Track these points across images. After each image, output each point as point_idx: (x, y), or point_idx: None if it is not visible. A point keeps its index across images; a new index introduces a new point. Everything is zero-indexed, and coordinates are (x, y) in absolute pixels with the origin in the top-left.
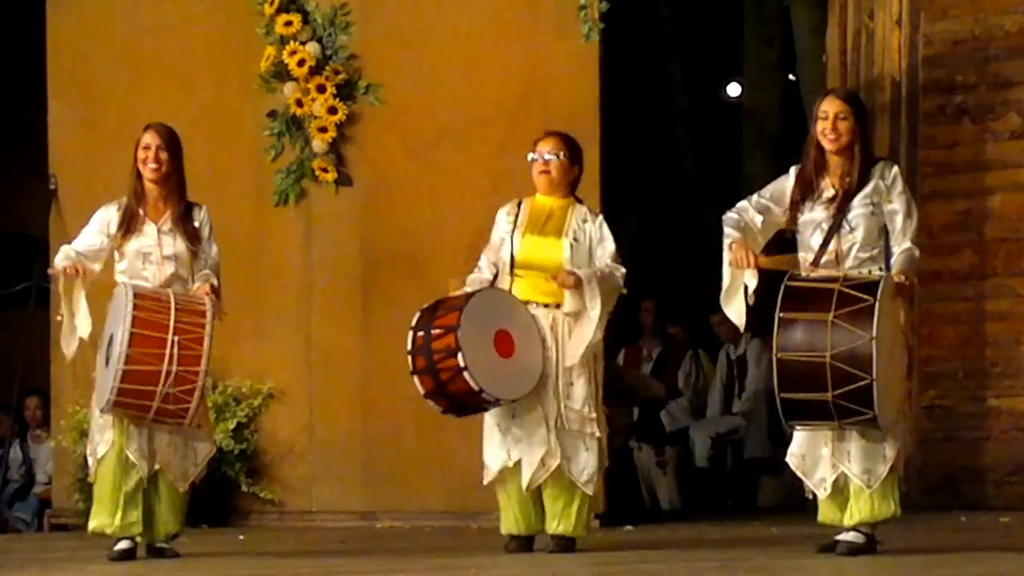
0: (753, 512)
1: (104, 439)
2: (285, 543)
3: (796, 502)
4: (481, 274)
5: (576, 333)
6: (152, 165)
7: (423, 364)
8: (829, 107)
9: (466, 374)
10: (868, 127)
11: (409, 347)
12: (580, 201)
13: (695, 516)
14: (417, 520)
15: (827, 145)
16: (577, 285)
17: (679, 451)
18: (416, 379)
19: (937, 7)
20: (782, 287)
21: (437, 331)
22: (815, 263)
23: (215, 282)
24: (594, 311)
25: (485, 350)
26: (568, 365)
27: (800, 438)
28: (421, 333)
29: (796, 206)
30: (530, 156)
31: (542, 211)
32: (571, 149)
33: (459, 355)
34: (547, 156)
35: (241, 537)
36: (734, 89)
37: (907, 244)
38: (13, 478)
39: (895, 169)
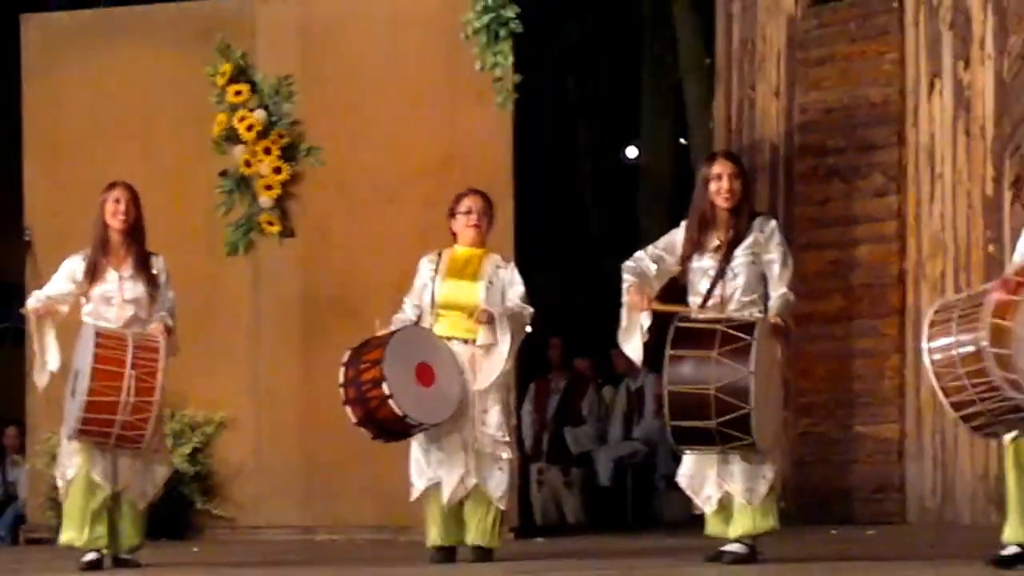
0: (650, 526)
1: (73, 463)
2: (235, 554)
3: (694, 517)
4: (404, 315)
5: (488, 363)
6: (121, 217)
7: (354, 394)
8: (723, 169)
9: (391, 402)
10: (751, 186)
11: (341, 380)
12: (491, 251)
13: (598, 530)
14: (352, 534)
15: (721, 203)
16: (490, 321)
17: (584, 472)
18: (348, 409)
19: (811, 79)
20: (672, 327)
21: (365, 365)
22: (703, 306)
23: (170, 323)
24: (504, 344)
25: (408, 380)
26: (479, 389)
27: (689, 460)
28: (351, 368)
29: (687, 256)
30: (460, 209)
31: (460, 259)
32: (488, 203)
33: (384, 385)
34: (474, 209)
35: (196, 549)
36: (632, 152)
37: (783, 290)
38: None
39: (773, 223)
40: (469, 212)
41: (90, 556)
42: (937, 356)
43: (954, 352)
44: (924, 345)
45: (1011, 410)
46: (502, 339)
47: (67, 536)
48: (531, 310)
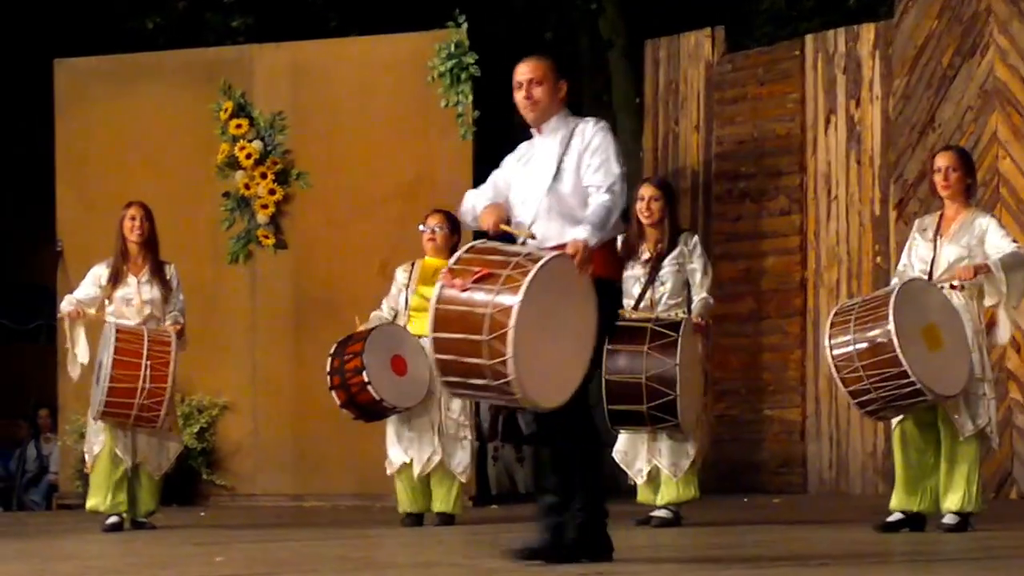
0: None
1: (98, 440)
2: (235, 518)
3: (619, 486)
4: (382, 313)
5: None
6: (137, 231)
7: (338, 381)
8: (645, 192)
9: (370, 387)
10: (676, 205)
11: (327, 369)
12: None
13: None
14: (335, 501)
15: (643, 220)
16: None
17: (534, 449)
18: (333, 393)
19: (726, 115)
20: None
21: (348, 356)
22: (635, 308)
23: (181, 321)
24: None
25: (384, 369)
26: None
27: (623, 438)
28: (336, 358)
29: (621, 265)
30: (421, 227)
31: (430, 269)
32: (451, 222)
33: (364, 373)
34: (434, 228)
35: (202, 513)
36: None
37: (704, 294)
38: (29, 470)
39: (695, 238)
40: (429, 230)
41: (112, 519)
42: (837, 352)
43: (851, 348)
44: (825, 343)
45: (899, 397)
46: None
47: (93, 502)
48: None
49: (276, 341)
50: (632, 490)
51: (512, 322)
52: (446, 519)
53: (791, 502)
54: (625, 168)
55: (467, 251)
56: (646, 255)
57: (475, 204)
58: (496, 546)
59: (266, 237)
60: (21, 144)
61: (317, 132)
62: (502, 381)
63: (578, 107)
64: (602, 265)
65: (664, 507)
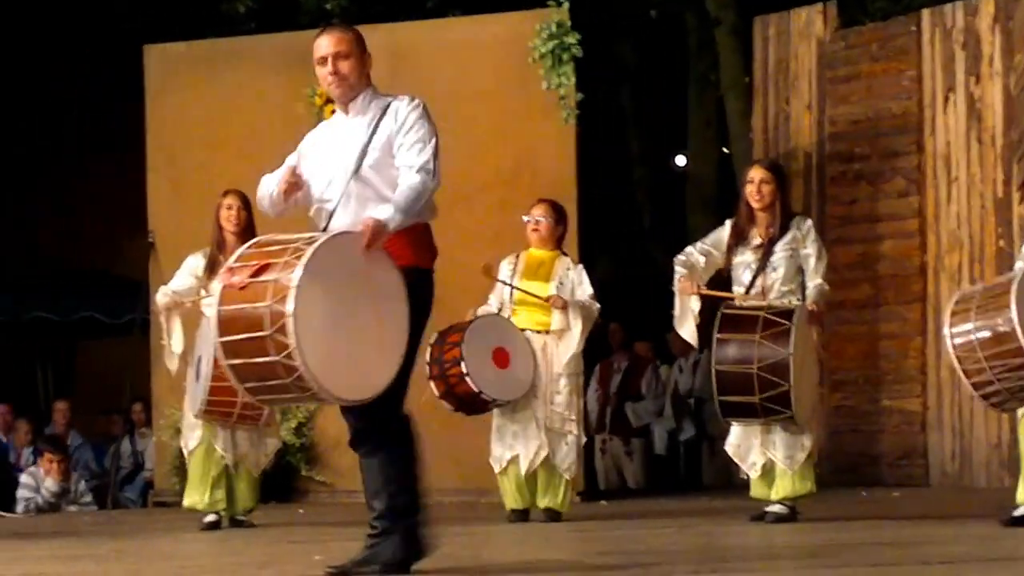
0: (699, 489)
1: (194, 435)
2: (335, 515)
3: (734, 481)
4: (488, 306)
5: (562, 346)
6: (234, 220)
7: (437, 372)
8: (755, 174)
9: (468, 379)
10: (787, 189)
11: (427, 359)
12: (565, 253)
13: (655, 493)
14: (438, 497)
15: (754, 204)
16: (564, 307)
17: (643, 442)
18: (432, 384)
19: (839, 94)
20: (719, 314)
21: (448, 346)
22: (746, 295)
23: None
24: (576, 329)
25: (485, 361)
26: (557, 373)
27: (736, 431)
28: (436, 348)
29: (731, 250)
30: (525, 218)
31: (535, 261)
32: (557, 212)
33: (462, 364)
34: (538, 218)
35: (301, 511)
36: (680, 160)
37: (818, 280)
38: (124, 466)
39: (808, 222)
40: (533, 220)
41: (210, 517)
42: (958, 341)
43: (973, 338)
44: (945, 332)
45: None
46: (574, 325)
47: (190, 500)
48: (599, 306)
49: None
50: (745, 484)
51: (290, 308)
52: (553, 515)
53: (912, 496)
54: (438, 150)
55: (248, 247)
56: (757, 240)
57: (271, 190)
58: (605, 543)
59: None
60: (109, 134)
61: None
62: (295, 377)
63: (684, 88)
64: (410, 251)
65: (779, 502)
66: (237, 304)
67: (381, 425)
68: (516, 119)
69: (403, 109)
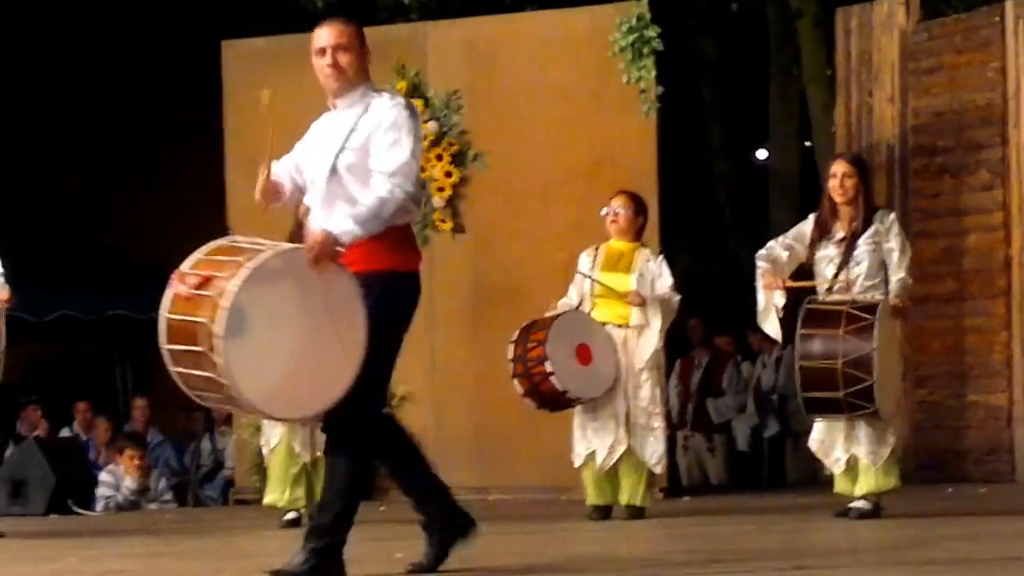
0: (783, 485)
1: (275, 433)
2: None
3: (818, 477)
4: (569, 300)
5: (642, 342)
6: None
7: (520, 370)
8: (838, 168)
9: (552, 378)
10: (870, 182)
11: (510, 357)
12: (644, 245)
13: (738, 490)
14: (519, 494)
15: (836, 198)
16: (642, 303)
17: (725, 438)
18: (515, 382)
19: (922, 87)
20: (802, 309)
21: (531, 344)
22: (829, 290)
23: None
24: (655, 324)
25: (568, 359)
26: (638, 367)
27: (819, 427)
28: (519, 346)
29: (814, 245)
30: (604, 210)
31: (615, 253)
32: (636, 204)
33: (546, 363)
34: (616, 209)
35: (381, 508)
36: (762, 154)
37: (902, 274)
38: (205, 463)
39: (892, 215)
40: (612, 212)
41: (290, 515)
42: None
43: None
44: None
45: None
46: (653, 320)
47: (270, 497)
48: (679, 297)
49: (455, 328)
50: (829, 481)
51: (219, 331)
52: (635, 512)
53: (999, 491)
54: (419, 153)
55: (205, 251)
56: (840, 235)
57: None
58: (688, 540)
59: (443, 221)
60: (190, 131)
61: (494, 111)
62: (229, 395)
63: (765, 81)
64: (384, 255)
65: (863, 498)
66: (180, 314)
67: (343, 429)
68: (596, 113)
69: (382, 107)
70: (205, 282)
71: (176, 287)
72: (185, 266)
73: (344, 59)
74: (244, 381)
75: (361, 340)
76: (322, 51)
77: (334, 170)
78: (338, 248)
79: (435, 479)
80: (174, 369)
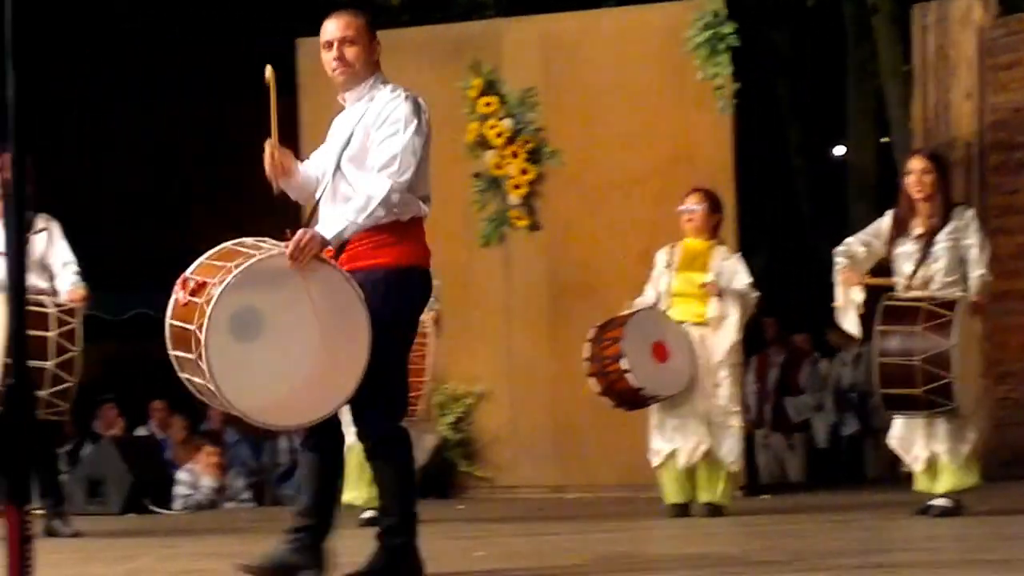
0: (862, 483)
1: (349, 432)
2: (495, 511)
3: (897, 474)
4: (645, 298)
5: (719, 335)
6: None
7: (596, 368)
8: (915, 165)
9: (628, 375)
10: (948, 178)
11: (586, 355)
12: (721, 243)
13: (817, 487)
14: (598, 492)
15: (914, 195)
16: (720, 294)
17: (804, 436)
18: (592, 380)
19: (999, 82)
20: (880, 306)
21: (606, 342)
22: (907, 287)
23: (437, 307)
24: (733, 317)
25: (645, 357)
26: (716, 361)
27: (898, 424)
28: (595, 344)
29: (892, 241)
30: (680, 208)
31: (691, 252)
32: (712, 201)
33: (622, 360)
34: (692, 207)
35: (460, 507)
36: (840, 150)
37: (981, 271)
38: (282, 463)
39: (970, 211)
40: (688, 210)
41: (368, 513)
42: None
43: None
44: None
45: None
46: (731, 313)
47: (348, 496)
48: (757, 294)
49: (532, 326)
50: (909, 478)
51: (203, 338)
52: (715, 510)
53: None
54: (417, 147)
55: (208, 255)
56: (918, 231)
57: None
58: (768, 538)
59: (519, 218)
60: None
61: (569, 108)
62: (223, 402)
63: (842, 77)
64: (388, 250)
65: (944, 495)
66: (178, 321)
67: (373, 440)
68: (672, 110)
69: (385, 99)
70: (200, 288)
71: (176, 293)
72: (189, 271)
73: (351, 52)
74: (232, 389)
75: (364, 343)
76: (328, 44)
77: (338, 165)
78: (327, 246)
79: (334, 514)
80: (182, 375)
